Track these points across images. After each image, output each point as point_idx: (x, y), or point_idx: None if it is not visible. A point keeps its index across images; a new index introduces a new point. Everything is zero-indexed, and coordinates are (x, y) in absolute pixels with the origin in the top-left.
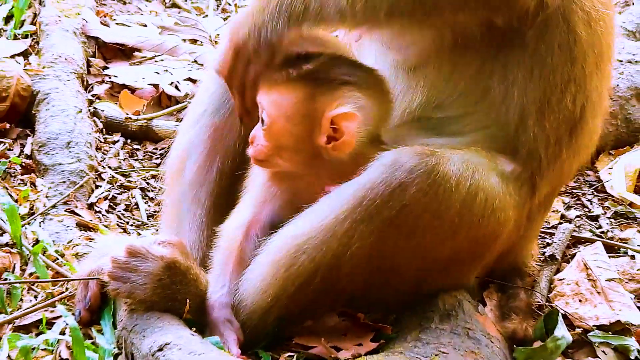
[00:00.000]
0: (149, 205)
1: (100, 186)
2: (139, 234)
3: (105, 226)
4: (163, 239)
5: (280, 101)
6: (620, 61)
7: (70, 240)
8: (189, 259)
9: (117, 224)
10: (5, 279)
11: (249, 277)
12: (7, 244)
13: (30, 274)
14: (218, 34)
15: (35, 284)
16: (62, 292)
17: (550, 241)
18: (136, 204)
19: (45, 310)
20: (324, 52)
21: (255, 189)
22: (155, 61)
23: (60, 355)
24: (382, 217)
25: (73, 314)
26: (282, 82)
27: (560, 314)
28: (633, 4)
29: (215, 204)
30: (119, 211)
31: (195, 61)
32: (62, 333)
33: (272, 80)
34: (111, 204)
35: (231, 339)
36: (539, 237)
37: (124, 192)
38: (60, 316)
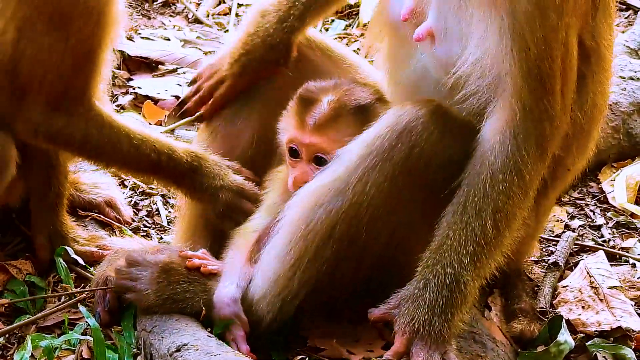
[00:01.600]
0: (170, 211)
1: (123, 192)
2: (161, 239)
3: (132, 230)
4: (160, 246)
5: (339, 137)
6: (623, 78)
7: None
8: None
9: (139, 228)
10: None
11: (270, 244)
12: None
13: (54, 276)
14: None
15: (59, 286)
16: (85, 294)
17: (554, 249)
18: (157, 209)
19: (68, 312)
20: (339, 78)
21: (272, 198)
22: (178, 74)
23: (82, 355)
24: (394, 162)
25: (94, 316)
26: (334, 121)
27: (563, 320)
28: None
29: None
30: (141, 216)
31: None
32: (84, 334)
33: (322, 122)
34: (134, 209)
35: (239, 335)
36: (543, 245)
37: (145, 199)
38: (82, 317)
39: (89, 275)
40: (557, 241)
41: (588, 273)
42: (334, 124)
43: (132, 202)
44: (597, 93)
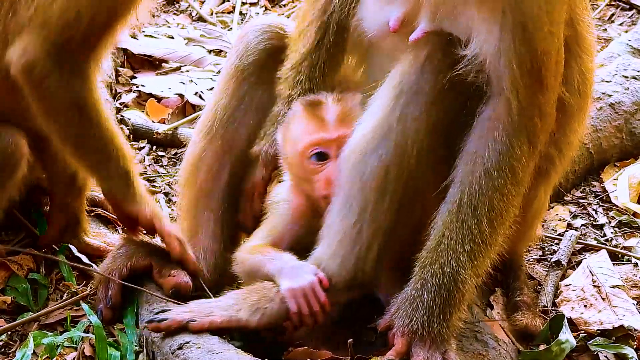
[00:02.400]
0: (172, 209)
1: None
2: None
3: None
4: None
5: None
6: (626, 77)
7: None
8: None
9: None
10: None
11: (332, 207)
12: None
13: (56, 274)
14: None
15: (61, 283)
16: (87, 291)
17: (556, 248)
18: (160, 207)
19: (70, 309)
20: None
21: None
22: (181, 72)
23: (84, 353)
24: (424, 93)
25: (96, 313)
26: (350, 108)
27: (565, 319)
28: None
29: (226, 211)
30: None
31: (219, 72)
32: (86, 331)
33: (342, 112)
34: None
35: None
36: (546, 244)
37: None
38: (85, 315)
39: (94, 271)
40: (560, 240)
41: (590, 272)
42: (352, 110)
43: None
44: (582, 80)
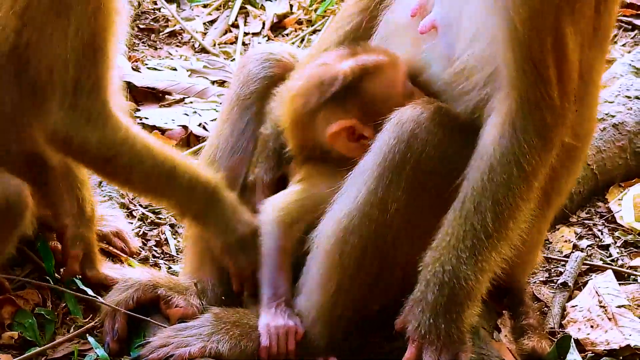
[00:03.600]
0: (178, 241)
1: (132, 223)
2: (169, 268)
3: (141, 260)
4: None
5: None
6: (629, 97)
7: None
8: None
9: (148, 258)
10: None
11: (309, 276)
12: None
13: (63, 308)
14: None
15: (68, 317)
16: (94, 325)
17: (562, 269)
18: (166, 239)
19: (77, 342)
20: None
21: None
22: (185, 103)
23: None
24: (407, 173)
25: (103, 346)
26: None
27: (572, 340)
28: None
29: None
30: (150, 246)
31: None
32: None
33: None
34: (142, 240)
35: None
36: (552, 266)
37: (154, 229)
38: (92, 348)
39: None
40: (566, 261)
41: (597, 292)
42: None
43: (141, 232)
44: (585, 118)
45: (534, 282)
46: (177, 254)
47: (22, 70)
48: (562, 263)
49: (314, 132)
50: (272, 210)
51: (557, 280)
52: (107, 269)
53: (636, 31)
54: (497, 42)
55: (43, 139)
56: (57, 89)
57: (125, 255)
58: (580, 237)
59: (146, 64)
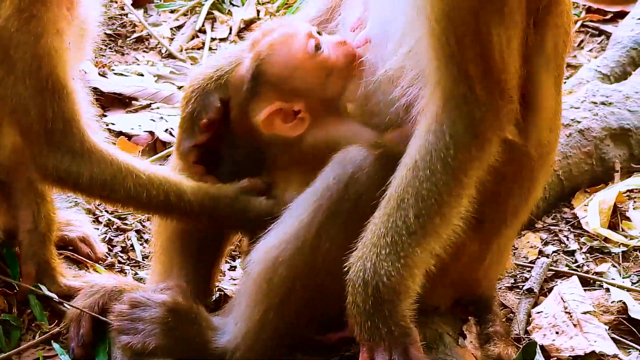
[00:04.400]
0: (144, 247)
1: (98, 229)
2: (135, 274)
3: (107, 266)
4: (162, 286)
5: None
6: (595, 103)
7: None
8: (189, 300)
9: (114, 264)
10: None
11: (237, 301)
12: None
13: (29, 314)
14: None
15: (33, 324)
16: (59, 331)
17: (528, 275)
18: (132, 245)
19: (42, 349)
20: None
21: None
22: (152, 109)
23: None
24: (343, 213)
25: (68, 352)
26: None
27: (537, 346)
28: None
29: (200, 250)
30: (116, 252)
31: None
32: None
33: None
34: (108, 246)
35: None
36: (518, 272)
37: (120, 234)
38: (57, 354)
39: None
40: (532, 267)
41: (562, 299)
42: None
43: (107, 238)
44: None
45: (500, 288)
46: (144, 260)
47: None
48: (528, 269)
49: (252, 126)
50: None
51: (523, 286)
52: (70, 278)
53: (603, 37)
54: (420, 44)
55: (39, 178)
56: (28, 133)
57: (91, 262)
58: (546, 243)
59: (113, 70)
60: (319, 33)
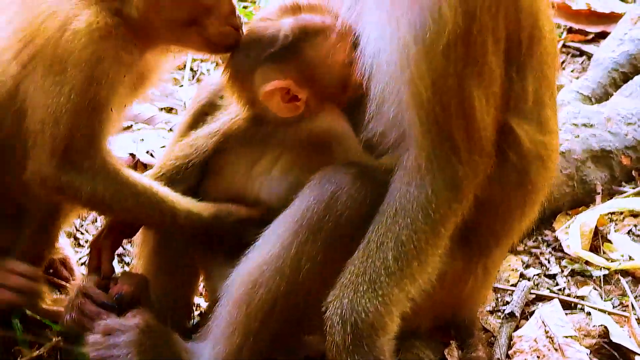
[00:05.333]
0: (125, 270)
1: (79, 252)
2: None
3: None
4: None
5: None
6: (576, 125)
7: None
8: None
9: None
10: None
11: (215, 324)
12: None
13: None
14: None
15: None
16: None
17: (509, 299)
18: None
19: None
20: None
21: None
22: (132, 130)
23: None
24: (323, 233)
25: None
26: None
27: None
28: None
29: (181, 271)
30: None
31: (171, 130)
32: None
33: None
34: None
35: None
36: (499, 295)
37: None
38: None
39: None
40: (513, 291)
41: (543, 322)
42: None
43: (87, 261)
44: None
45: (481, 312)
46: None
47: (19, 117)
48: (509, 292)
49: (251, 88)
50: None
51: (504, 309)
52: (50, 303)
53: (584, 57)
54: (404, 107)
55: (36, 184)
56: (48, 142)
57: (70, 285)
58: (527, 266)
59: None
60: None
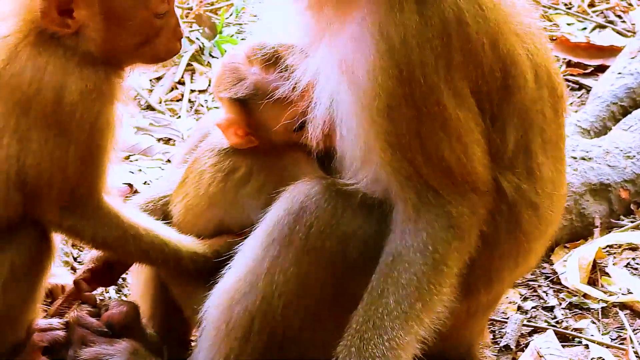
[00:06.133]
0: (123, 300)
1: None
2: None
3: None
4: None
5: None
6: (575, 158)
7: None
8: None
9: None
10: None
11: (199, 346)
12: None
13: None
14: (190, 135)
15: None
16: None
17: (505, 331)
18: (110, 298)
19: None
20: None
21: None
22: (130, 161)
23: None
24: (295, 245)
25: None
26: None
27: None
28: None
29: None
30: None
31: (169, 160)
32: None
33: None
34: None
35: None
36: (496, 327)
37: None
38: None
39: None
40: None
41: (538, 353)
42: None
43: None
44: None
45: (481, 346)
46: None
47: (23, 189)
48: (506, 325)
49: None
50: None
51: (500, 342)
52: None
53: (583, 90)
54: (374, 167)
55: (45, 226)
56: (53, 193)
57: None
58: (525, 299)
59: None
60: None
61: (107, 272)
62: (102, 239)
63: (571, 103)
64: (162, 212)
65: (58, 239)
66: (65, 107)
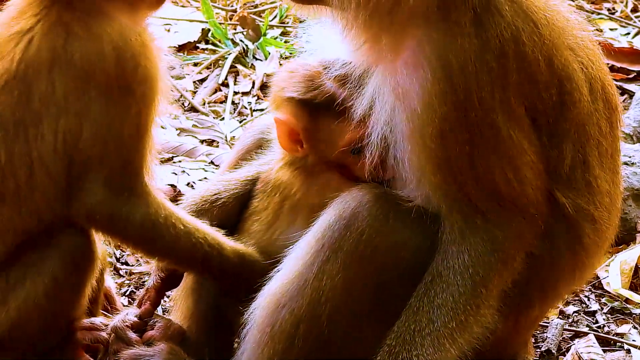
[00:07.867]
0: (165, 301)
1: (118, 282)
2: None
3: None
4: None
5: None
6: None
7: None
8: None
9: None
10: None
11: (243, 348)
12: None
13: None
14: (234, 136)
15: None
16: None
17: (546, 336)
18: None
19: None
20: None
21: None
22: (173, 162)
23: None
24: (345, 251)
25: None
26: None
27: None
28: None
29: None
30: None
31: (212, 162)
32: None
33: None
34: (129, 299)
35: None
36: (538, 332)
37: (140, 287)
38: None
39: None
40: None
41: (580, 358)
42: None
43: (128, 292)
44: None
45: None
46: (164, 314)
47: (70, 164)
48: (547, 329)
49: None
50: None
51: (542, 346)
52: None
53: (626, 96)
54: (425, 189)
55: (82, 219)
56: (104, 170)
57: (110, 315)
58: (567, 303)
59: None
60: None
61: (174, 275)
62: (152, 225)
63: None
64: (210, 214)
65: (100, 244)
66: (128, 62)
